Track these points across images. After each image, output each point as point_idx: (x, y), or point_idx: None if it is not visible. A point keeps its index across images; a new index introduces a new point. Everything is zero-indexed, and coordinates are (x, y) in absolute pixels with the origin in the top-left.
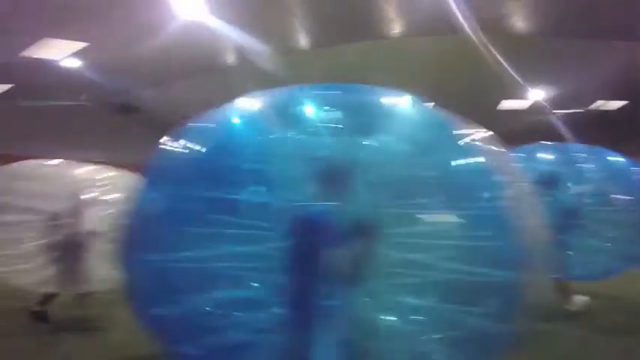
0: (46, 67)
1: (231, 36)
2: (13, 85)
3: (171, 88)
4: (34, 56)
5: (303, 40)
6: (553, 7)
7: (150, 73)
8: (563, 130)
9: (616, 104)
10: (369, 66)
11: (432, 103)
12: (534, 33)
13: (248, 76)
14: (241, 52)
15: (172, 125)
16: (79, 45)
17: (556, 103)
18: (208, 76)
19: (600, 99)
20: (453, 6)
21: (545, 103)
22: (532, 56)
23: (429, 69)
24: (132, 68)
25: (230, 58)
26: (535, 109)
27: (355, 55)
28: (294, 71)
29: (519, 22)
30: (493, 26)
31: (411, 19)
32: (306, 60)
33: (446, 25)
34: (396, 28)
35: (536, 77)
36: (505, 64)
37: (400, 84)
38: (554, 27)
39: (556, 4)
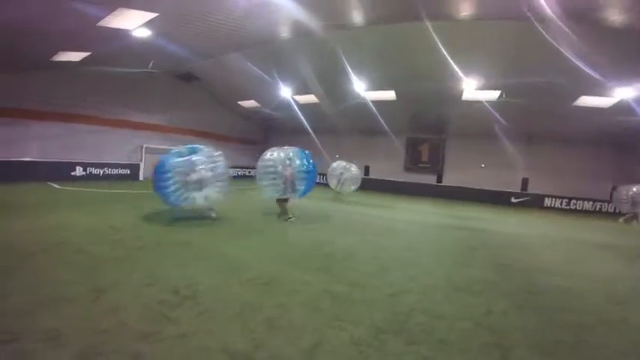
0: (119, 36)
1: (287, 10)
2: (90, 52)
3: (227, 59)
4: (110, 25)
5: (358, 17)
6: None
7: (209, 44)
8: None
9: None
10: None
11: (499, 92)
12: (629, 26)
13: (300, 50)
14: (296, 26)
15: (224, 94)
16: (150, 15)
17: None
18: (260, 49)
19: None
20: None
21: (633, 103)
22: (626, 51)
23: (499, 53)
24: (194, 40)
25: (284, 32)
26: (619, 108)
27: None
28: (346, 46)
29: (616, 15)
30: (586, 16)
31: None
32: (358, 36)
33: (525, 11)
34: (465, 10)
35: (627, 74)
36: (587, 57)
37: (466, 66)
38: None
39: None
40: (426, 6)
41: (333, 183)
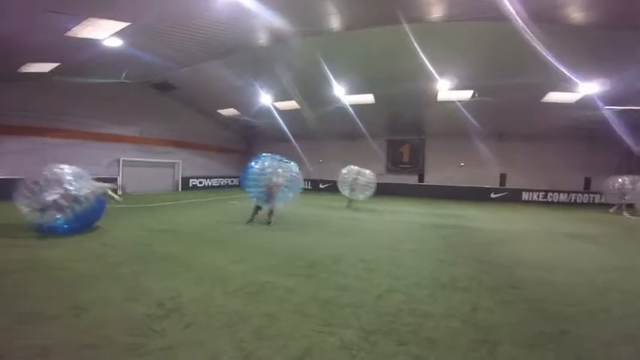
0: (89, 45)
1: (263, 17)
2: (59, 63)
3: (204, 67)
4: (79, 35)
5: (335, 22)
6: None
7: (185, 53)
8: (616, 126)
9: None
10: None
11: (472, 92)
12: (591, 24)
13: (279, 56)
14: (273, 33)
15: (203, 102)
16: (121, 25)
17: (609, 98)
18: (238, 57)
19: None
20: None
21: (597, 98)
22: (586, 48)
23: (470, 54)
24: (169, 48)
25: (261, 39)
26: (584, 103)
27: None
28: (325, 52)
29: (575, 13)
30: (547, 15)
31: (453, 3)
32: (337, 42)
33: (490, 11)
34: (437, 12)
35: (589, 70)
36: (552, 55)
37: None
38: (612, 18)
39: None
40: (399, 9)
41: (344, 189)
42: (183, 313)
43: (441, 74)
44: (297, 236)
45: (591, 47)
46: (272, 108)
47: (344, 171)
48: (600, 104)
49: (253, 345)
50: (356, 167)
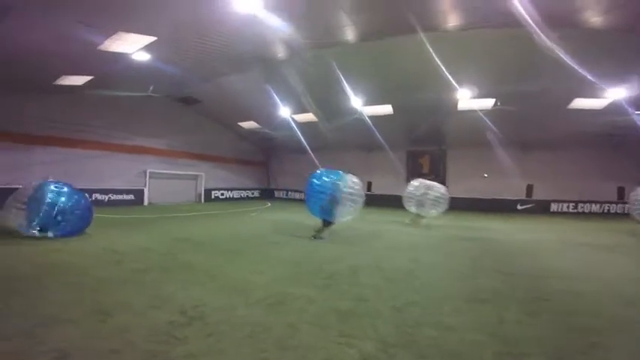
0: (119, 59)
1: (282, 30)
2: (92, 76)
3: (226, 81)
4: (110, 49)
5: (350, 34)
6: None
7: (208, 67)
8: None
9: None
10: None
11: (494, 100)
12: (610, 28)
13: (294, 69)
14: (290, 46)
15: (224, 116)
16: (148, 39)
17: (638, 103)
18: (257, 70)
19: None
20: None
21: (625, 103)
22: (609, 52)
23: (490, 61)
24: (192, 62)
25: (280, 52)
26: (613, 109)
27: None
28: (341, 63)
29: (594, 17)
30: (565, 20)
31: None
32: (353, 52)
33: (506, 18)
34: (453, 21)
35: (614, 75)
36: (575, 60)
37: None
38: (630, 22)
39: None
40: (414, 20)
41: (411, 205)
42: (205, 322)
43: (460, 83)
44: (317, 247)
45: (613, 51)
46: (290, 120)
47: (412, 186)
48: (630, 109)
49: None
50: (426, 181)
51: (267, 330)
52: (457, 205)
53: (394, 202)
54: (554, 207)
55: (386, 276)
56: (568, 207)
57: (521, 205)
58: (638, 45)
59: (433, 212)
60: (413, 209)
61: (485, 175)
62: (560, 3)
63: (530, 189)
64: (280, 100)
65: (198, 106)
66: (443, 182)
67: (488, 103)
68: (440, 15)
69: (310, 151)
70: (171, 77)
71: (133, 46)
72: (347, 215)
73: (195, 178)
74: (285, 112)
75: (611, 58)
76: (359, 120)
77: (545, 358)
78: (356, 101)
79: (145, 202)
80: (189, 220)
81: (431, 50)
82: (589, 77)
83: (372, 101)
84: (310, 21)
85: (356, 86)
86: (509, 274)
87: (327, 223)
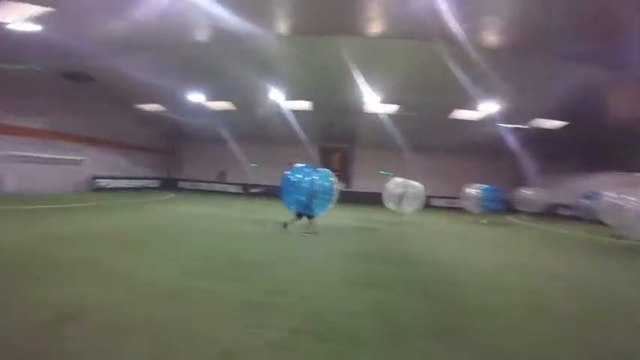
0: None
1: (205, 12)
2: None
3: (131, 60)
4: None
5: (281, 25)
6: (523, 26)
7: (109, 44)
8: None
9: (556, 123)
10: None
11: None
12: (501, 48)
13: (215, 56)
14: (213, 30)
15: (124, 97)
16: (41, 9)
17: (506, 117)
18: (171, 51)
19: (545, 117)
20: (429, 14)
21: (497, 116)
22: (494, 69)
23: (396, 70)
24: (92, 38)
25: (200, 35)
26: (486, 120)
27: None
28: (265, 56)
29: (490, 36)
30: (464, 37)
31: (389, 21)
32: (279, 46)
33: (417, 31)
34: (375, 28)
35: (492, 90)
36: (466, 75)
37: (368, 80)
38: (522, 44)
39: (525, 23)
40: (343, 22)
41: (390, 203)
42: (92, 319)
43: (371, 87)
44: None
45: (498, 69)
46: (205, 107)
47: (392, 184)
48: (500, 122)
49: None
50: (402, 180)
51: (163, 325)
52: (360, 199)
53: None
54: (434, 201)
55: (299, 268)
56: (444, 202)
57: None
58: (518, 65)
59: (410, 208)
60: (392, 206)
61: (383, 173)
62: (464, 22)
63: None
64: (194, 85)
65: (93, 85)
66: (349, 178)
67: (393, 108)
68: (366, 21)
69: (227, 141)
70: (62, 51)
71: (18, 15)
72: (324, 209)
73: (77, 163)
74: (198, 97)
75: (493, 76)
76: (278, 113)
77: (425, 338)
78: (277, 95)
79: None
80: (70, 212)
81: (350, 53)
82: (471, 91)
83: (293, 96)
84: (242, 7)
85: (278, 80)
86: (400, 261)
87: (308, 216)
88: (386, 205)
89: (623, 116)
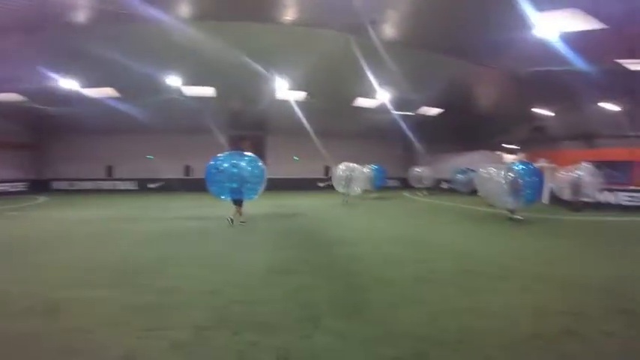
0: None
1: None
2: None
3: None
4: None
5: (186, 9)
6: (417, 22)
7: None
8: (402, 127)
9: (435, 111)
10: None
11: (305, 93)
12: (397, 41)
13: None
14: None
15: None
16: None
17: (397, 105)
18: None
19: (428, 105)
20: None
21: (389, 104)
22: (390, 61)
23: (305, 58)
24: None
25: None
26: (382, 108)
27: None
28: (161, 39)
29: (388, 29)
30: (364, 29)
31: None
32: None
33: (328, 21)
34: (288, 15)
35: (388, 80)
36: (367, 66)
37: (276, 67)
38: (414, 39)
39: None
40: (256, 7)
41: (339, 186)
42: None
43: (280, 74)
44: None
45: (394, 61)
46: (80, 95)
47: (340, 169)
48: (392, 109)
49: None
50: (350, 164)
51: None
52: (275, 185)
53: None
54: None
55: (199, 263)
56: None
57: (321, 183)
58: (408, 58)
59: (357, 190)
60: (341, 189)
61: (296, 158)
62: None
63: (327, 169)
64: (64, 70)
65: None
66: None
67: (301, 95)
68: (279, 8)
69: (112, 133)
70: None
71: None
72: (256, 193)
73: None
74: (71, 84)
75: (385, 69)
76: (178, 100)
77: (336, 318)
78: (174, 80)
79: None
80: None
81: (258, 40)
82: (371, 81)
83: (193, 82)
84: None
85: (175, 64)
86: (310, 245)
87: (237, 203)
88: (335, 187)
89: (486, 103)
